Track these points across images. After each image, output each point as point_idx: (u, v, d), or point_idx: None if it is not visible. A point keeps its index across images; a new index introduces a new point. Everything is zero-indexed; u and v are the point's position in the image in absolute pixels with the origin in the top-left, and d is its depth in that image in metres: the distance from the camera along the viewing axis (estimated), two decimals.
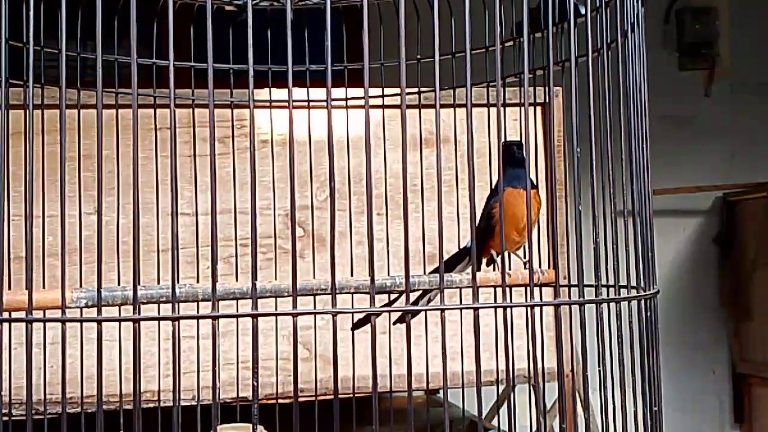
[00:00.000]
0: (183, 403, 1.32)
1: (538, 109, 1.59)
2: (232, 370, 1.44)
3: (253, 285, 0.70)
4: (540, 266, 1.14)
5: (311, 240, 1.49)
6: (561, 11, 0.95)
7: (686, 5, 3.28)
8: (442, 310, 0.75)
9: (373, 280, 0.75)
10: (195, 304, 0.98)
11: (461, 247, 1.25)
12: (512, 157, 1.14)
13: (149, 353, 1.35)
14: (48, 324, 1.04)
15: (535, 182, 1.17)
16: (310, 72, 1.34)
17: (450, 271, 1.18)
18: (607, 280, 0.87)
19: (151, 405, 1.34)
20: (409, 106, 1.38)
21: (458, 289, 1.15)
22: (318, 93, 1.38)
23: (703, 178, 3.24)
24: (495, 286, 1.12)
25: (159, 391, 1.37)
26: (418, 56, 1.23)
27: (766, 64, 3.33)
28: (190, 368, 1.35)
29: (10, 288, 1.11)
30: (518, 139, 1.16)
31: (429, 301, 1.22)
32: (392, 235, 1.31)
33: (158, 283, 1.27)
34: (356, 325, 1.20)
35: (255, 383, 0.71)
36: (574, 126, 0.82)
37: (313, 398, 1.36)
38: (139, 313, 0.72)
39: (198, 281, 1.38)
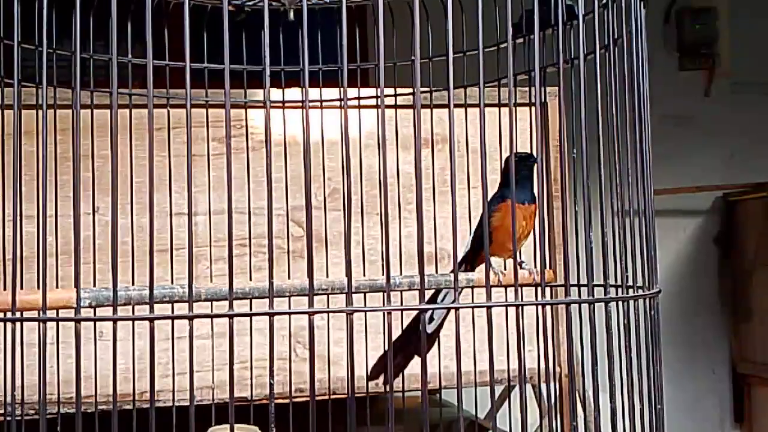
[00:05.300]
0: (181, 403, 1.32)
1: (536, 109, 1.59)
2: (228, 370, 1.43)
3: (270, 284, 0.70)
4: (536, 266, 1.15)
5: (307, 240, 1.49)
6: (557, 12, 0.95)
7: (686, 5, 3.27)
8: (456, 309, 0.75)
9: (388, 279, 0.75)
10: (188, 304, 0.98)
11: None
12: (521, 170, 1.18)
13: (147, 353, 1.35)
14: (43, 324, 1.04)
15: (536, 196, 1.20)
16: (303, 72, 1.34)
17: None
18: (606, 280, 0.87)
19: (145, 405, 1.34)
20: (406, 106, 1.38)
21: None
22: (313, 93, 1.38)
23: (703, 178, 3.24)
24: (505, 286, 1.14)
25: (155, 391, 1.37)
26: (413, 57, 1.23)
27: (766, 64, 3.32)
28: (187, 368, 1.35)
29: (5, 288, 1.11)
30: (527, 150, 1.20)
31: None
32: (390, 234, 1.31)
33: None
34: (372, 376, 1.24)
35: (271, 381, 0.72)
36: (583, 125, 0.82)
37: (309, 399, 1.36)
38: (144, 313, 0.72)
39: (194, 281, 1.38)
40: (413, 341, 1.22)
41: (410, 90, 1.29)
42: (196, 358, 1.30)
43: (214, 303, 1.02)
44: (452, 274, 1.15)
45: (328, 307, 1.18)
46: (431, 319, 1.23)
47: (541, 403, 2.13)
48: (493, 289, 0.78)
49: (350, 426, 0.76)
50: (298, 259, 1.55)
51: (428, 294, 1.23)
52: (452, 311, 0.74)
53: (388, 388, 1.43)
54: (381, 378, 1.25)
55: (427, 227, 1.37)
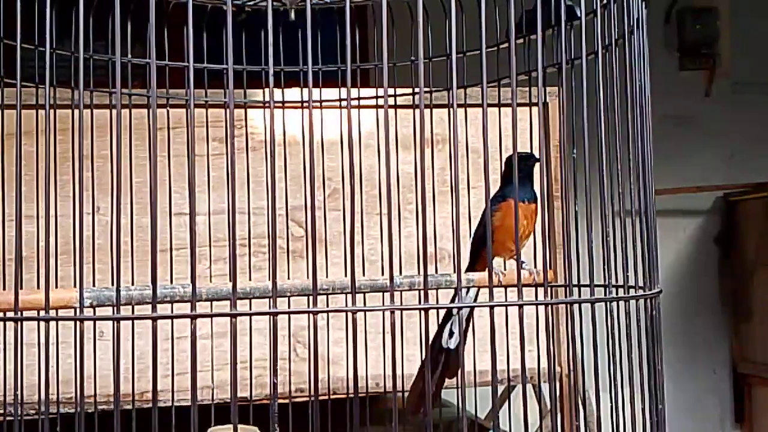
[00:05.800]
0: (182, 403, 1.32)
1: (536, 109, 1.59)
2: (227, 370, 1.44)
3: (274, 284, 0.70)
4: (536, 266, 1.15)
5: (311, 240, 1.49)
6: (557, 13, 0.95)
7: (687, 5, 3.27)
8: (459, 309, 0.75)
9: (392, 278, 0.75)
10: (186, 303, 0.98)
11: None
12: (521, 169, 1.18)
13: (147, 353, 1.35)
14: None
15: (537, 195, 1.20)
16: (305, 73, 1.34)
17: None
18: (608, 280, 0.87)
19: (146, 405, 1.34)
20: (406, 106, 1.38)
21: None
22: (313, 93, 1.38)
23: (703, 178, 3.24)
24: (505, 286, 1.14)
25: (157, 391, 1.37)
26: (412, 57, 1.23)
27: (766, 64, 3.32)
28: (187, 368, 1.35)
29: (5, 289, 1.11)
30: (528, 150, 1.22)
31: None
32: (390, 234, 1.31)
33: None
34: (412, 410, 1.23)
35: (275, 380, 0.72)
36: (583, 125, 0.82)
37: (308, 398, 1.36)
38: (142, 313, 0.72)
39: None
40: (440, 362, 1.21)
41: (410, 90, 1.30)
42: (199, 357, 1.30)
43: (214, 303, 1.02)
44: (453, 274, 1.15)
45: (327, 307, 1.18)
46: (451, 333, 1.22)
47: (542, 403, 2.13)
48: (494, 289, 0.78)
49: (353, 426, 0.76)
50: (298, 259, 1.55)
51: (432, 294, 1.23)
52: (470, 323, 0.74)
53: (389, 388, 1.43)
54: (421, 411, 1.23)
55: (427, 227, 1.37)
